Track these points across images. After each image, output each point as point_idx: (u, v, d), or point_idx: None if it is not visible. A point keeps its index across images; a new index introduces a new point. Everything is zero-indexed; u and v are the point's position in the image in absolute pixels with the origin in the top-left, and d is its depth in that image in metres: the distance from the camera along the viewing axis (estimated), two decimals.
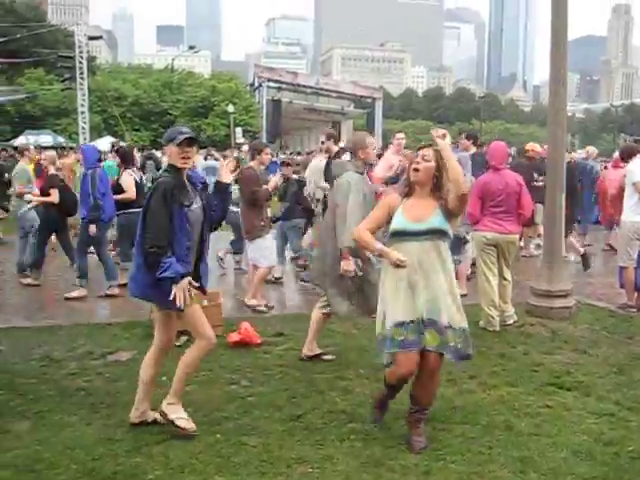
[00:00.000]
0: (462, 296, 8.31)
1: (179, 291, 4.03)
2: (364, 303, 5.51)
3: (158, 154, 23.60)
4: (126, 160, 9.17)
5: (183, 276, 4.06)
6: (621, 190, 7.95)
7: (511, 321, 7.03)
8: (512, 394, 5.04)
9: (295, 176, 9.91)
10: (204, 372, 5.47)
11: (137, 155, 14.24)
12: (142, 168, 20.51)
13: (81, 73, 26.88)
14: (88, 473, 3.78)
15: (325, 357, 5.86)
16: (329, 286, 5.61)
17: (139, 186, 8.90)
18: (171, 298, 4.02)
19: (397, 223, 4.13)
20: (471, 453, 4.05)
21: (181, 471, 3.80)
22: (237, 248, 10.19)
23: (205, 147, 27.16)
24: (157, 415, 4.39)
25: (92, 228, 8.37)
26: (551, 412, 4.71)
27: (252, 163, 7.91)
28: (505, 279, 7.07)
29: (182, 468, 3.83)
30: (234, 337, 6.23)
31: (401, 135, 10.21)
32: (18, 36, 34.60)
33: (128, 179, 8.82)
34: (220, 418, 4.52)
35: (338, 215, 5.41)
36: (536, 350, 6.19)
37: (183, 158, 4.13)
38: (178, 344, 6.24)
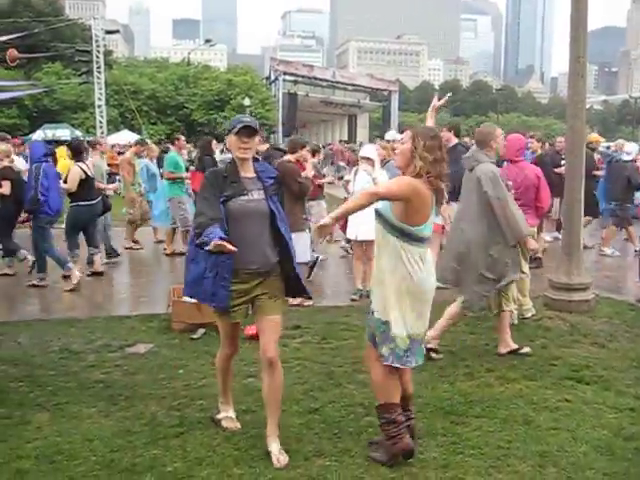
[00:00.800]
0: None
1: (213, 247, 3.60)
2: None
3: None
4: (77, 153, 9.26)
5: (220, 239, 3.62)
6: None
7: (529, 314, 6.98)
8: (530, 388, 5.01)
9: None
10: None
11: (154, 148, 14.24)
12: (159, 161, 20.53)
13: (98, 67, 27.01)
14: (107, 464, 3.80)
15: (523, 350, 5.81)
16: (473, 283, 5.59)
17: (88, 180, 8.99)
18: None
19: None
20: (489, 447, 4.03)
21: (199, 464, 3.81)
22: None
23: (222, 140, 27.20)
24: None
25: (23, 217, 8.82)
26: (570, 406, 4.67)
27: (290, 157, 7.93)
28: (523, 272, 7.02)
29: (200, 461, 3.85)
30: (251, 330, 6.23)
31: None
32: (36, 31, 34.83)
33: (73, 172, 8.94)
34: (238, 411, 4.52)
35: (501, 207, 5.41)
36: (554, 344, 6.15)
37: (241, 148, 3.92)
38: (196, 337, 6.30)
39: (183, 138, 12.89)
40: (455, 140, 8.97)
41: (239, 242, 3.75)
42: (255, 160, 4.12)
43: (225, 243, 3.56)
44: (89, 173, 9.07)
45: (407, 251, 3.79)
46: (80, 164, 9.03)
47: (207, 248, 3.61)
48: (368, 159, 8.10)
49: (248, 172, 3.99)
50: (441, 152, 3.82)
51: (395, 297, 3.82)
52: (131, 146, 14.24)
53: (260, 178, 4.00)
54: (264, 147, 10.26)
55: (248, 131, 3.91)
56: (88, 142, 11.77)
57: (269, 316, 3.95)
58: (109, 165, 20.95)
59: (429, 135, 3.85)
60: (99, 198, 9.32)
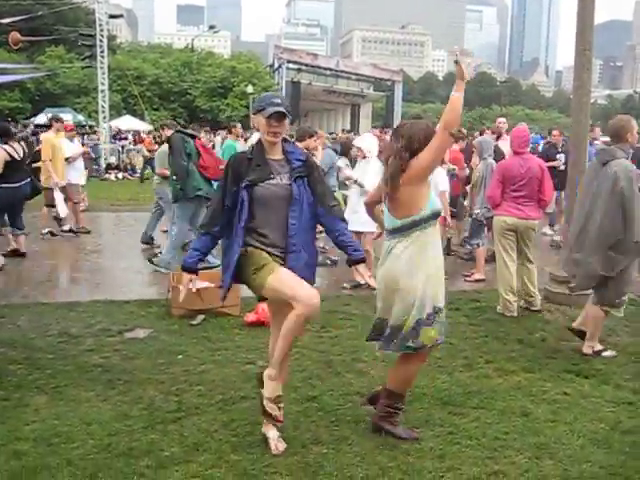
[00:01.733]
0: (480, 281, 8.41)
1: (183, 287, 3.89)
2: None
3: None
4: (4, 135, 9.16)
5: (185, 269, 3.84)
6: None
7: (537, 306, 6.98)
8: (529, 380, 5.02)
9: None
10: (220, 352, 5.50)
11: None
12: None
13: (101, 51, 26.81)
14: (104, 448, 3.81)
15: (605, 354, 5.68)
16: (593, 262, 5.47)
17: (14, 162, 8.93)
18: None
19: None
20: (486, 438, 4.03)
21: (196, 449, 3.82)
22: None
23: (225, 128, 27.14)
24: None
25: None
26: (568, 399, 4.67)
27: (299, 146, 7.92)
28: (530, 262, 7.02)
29: (197, 446, 3.85)
30: (251, 317, 6.24)
31: (502, 120, 10.25)
32: (39, 14, 34.65)
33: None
34: (236, 397, 4.53)
35: (632, 204, 5.30)
36: (554, 337, 6.15)
37: (271, 133, 3.73)
38: (195, 323, 6.30)
39: (239, 126, 12.59)
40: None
41: (265, 225, 3.76)
42: (284, 141, 3.92)
43: (187, 286, 3.82)
44: (16, 156, 8.99)
45: (434, 228, 3.92)
46: (6, 146, 8.95)
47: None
48: (359, 149, 8.08)
49: (276, 154, 3.82)
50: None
51: (433, 273, 3.91)
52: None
53: (288, 160, 3.82)
54: None
55: (279, 115, 3.72)
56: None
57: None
58: (149, 151, 20.87)
59: (423, 128, 3.92)
60: (26, 180, 9.22)
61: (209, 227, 3.82)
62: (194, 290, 3.93)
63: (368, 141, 8.26)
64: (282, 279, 3.65)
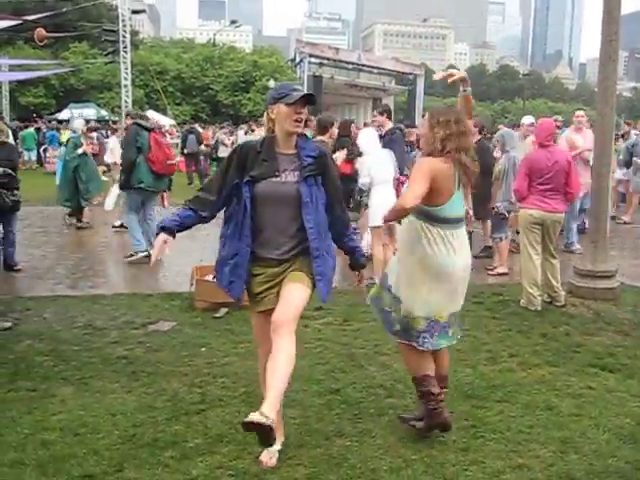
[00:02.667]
0: (503, 275, 8.35)
1: (155, 246, 3.46)
2: None
3: (200, 129, 23.82)
4: None
5: (164, 229, 3.45)
6: None
7: (562, 301, 6.93)
8: (553, 374, 4.98)
9: None
10: (243, 344, 5.52)
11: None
12: (184, 142, 20.45)
13: (124, 47, 27.05)
14: (129, 439, 3.85)
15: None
16: None
17: None
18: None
19: None
20: (510, 432, 4.01)
21: (220, 440, 3.84)
22: None
23: (247, 122, 27.22)
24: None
25: None
26: (593, 393, 4.64)
27: (323, 137, 7.87)
28: (554, 257, 6.96)
29: (221, 437, 3.87)
30: None
31: (581, 113, 10.20)
32: (64, 10, 34.86)
33: None
34: (259, 389, 4.54)
35: None
36: (578, 331, 6.10)
37: (296, 121, 3.42)
38: (218, 315, 6.33)
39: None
40: (390, 124, 8.81)
41: (267, 227, 3.47)
42: (299, 135, 3.57)
43: (160, 246, 3.42)
44: None
45: (428, 231, 3.75)
46: None
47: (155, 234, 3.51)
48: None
49: (289, 148, 3.52)
50: (458, 126, 3.76)
51: (409, 276, 3.82)
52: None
53: (299, 156, 3.51)
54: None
55: (305, 100, 3.45)
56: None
57: (291, 282, 3.45)
58: (206, 145, 20.93)
59: (441, 112, 3.89)
60: None
61: (198, 207, 3.49)
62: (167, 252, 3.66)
63: (363, 137, 7.99)
64: (256, 324, 3.69)
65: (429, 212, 3.75)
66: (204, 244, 8.74)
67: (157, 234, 3.47)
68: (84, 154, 11.61)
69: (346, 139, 9.13)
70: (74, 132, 12.45)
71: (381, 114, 8.89)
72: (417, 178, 3.72)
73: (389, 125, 8.76)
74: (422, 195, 3.65)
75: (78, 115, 27.63)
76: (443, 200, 3.75)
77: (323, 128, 8.09)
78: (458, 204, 3.85)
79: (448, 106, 4.15)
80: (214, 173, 3.77)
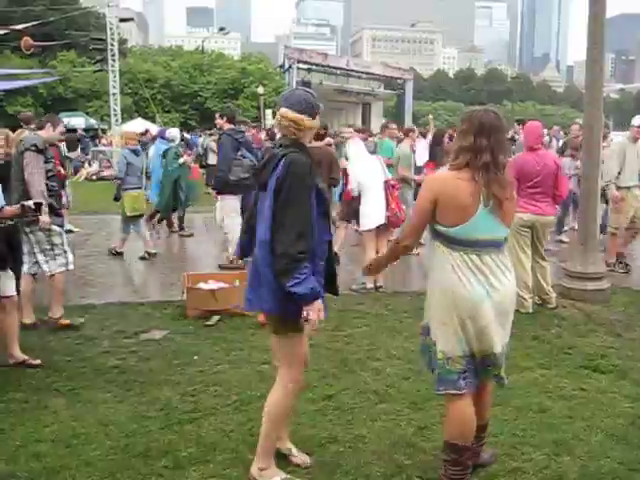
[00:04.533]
0: None
1: (314, 313, 3.17)
2: None
3: (188, 135, 23.77)
4: None
5: (318, 294, 3.18)
6: None
7: (553, 303, 6.95)
8: (545, 376, 5.00)
9: None
10: (235, 352, 5.52)
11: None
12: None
13: (112, 55, 26.98)
14: (122, 449, 3.83)
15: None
16: None
17: None
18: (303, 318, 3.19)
19: None
20: (504, 435, 4.02)
21: (213, 449, 3.83)
22: None
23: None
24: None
25: None
26: (585, 395, 4.65)
27: (320, 144, 7.96)
28: (544, 259, 7.00)
29: (214, 446, 3.86)
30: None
31: (577, 127, 10.41)
32: (51, 19, 34.78)
33: None
34: (252, 397, 4.54)
35: None
36: (569, 333, 6.12)
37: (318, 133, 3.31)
38: (210, 323, 6.32)
39: (394, 126, 11.57)
40: (228, 126, 8.51)
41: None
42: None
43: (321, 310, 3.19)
44: None
45: (451, 257, 3.24)
46: None
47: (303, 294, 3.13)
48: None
49: None
50: (480, 138, 3.18)
51: (441, 310, 3.29)
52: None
53: None
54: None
55: None
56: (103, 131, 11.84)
57: None
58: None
59: (462, 118, 3.35)
60: None
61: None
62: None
63: (352, 146, 8.23)
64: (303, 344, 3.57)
65: (443, 233, 3.27)
66: (196, 253, 8.71)
67: (315, 299, 3.17)
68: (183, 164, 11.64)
69: (439, 148, 9.15)
70: (172, 141, 11.94)
71: (221, 117, 8.68)
72: (417, 203, 3.41)
73: (226, 127, 8.52)
74: (419, 227, 3.39)
75: (66, 124, 27.52)
76: (460, 220, 3.20)
77: (317, 134, 8.13)
78: (485, 224, 3.22)
79: (471, 109, 3.43)
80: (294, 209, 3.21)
